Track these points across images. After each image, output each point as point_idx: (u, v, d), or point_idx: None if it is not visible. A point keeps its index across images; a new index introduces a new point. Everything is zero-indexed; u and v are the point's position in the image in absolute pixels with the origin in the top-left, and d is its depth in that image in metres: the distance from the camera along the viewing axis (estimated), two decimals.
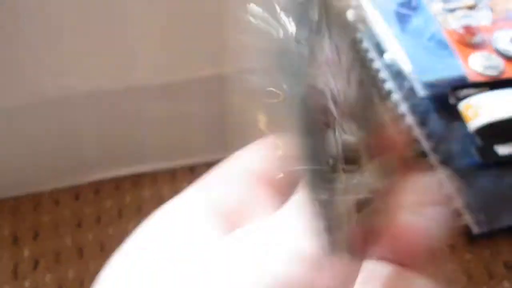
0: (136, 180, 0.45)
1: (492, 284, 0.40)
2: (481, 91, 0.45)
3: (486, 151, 0.42)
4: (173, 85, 0.40)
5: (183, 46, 0.39)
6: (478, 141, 0.42)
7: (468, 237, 0.41)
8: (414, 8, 0.51)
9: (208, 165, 0.48)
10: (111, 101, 0.40)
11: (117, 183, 0.45)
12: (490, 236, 0.41)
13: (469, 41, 0.47)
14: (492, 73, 0.45)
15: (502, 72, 0.45)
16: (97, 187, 0.45)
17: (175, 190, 0.21)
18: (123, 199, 0.44)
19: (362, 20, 0.59)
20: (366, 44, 0.53)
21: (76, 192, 0.44)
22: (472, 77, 0.45)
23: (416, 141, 0.46)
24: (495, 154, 0.42)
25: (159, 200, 0.20)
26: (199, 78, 0.40)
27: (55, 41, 0.36)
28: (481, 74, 0.45)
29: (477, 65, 0.46)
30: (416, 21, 0.50)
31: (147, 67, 0.39)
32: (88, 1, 0.35)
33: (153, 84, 0.40)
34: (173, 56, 0.39)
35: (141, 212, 0.43)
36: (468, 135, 0.43)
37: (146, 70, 0.39)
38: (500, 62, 0.46)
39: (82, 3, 0.35)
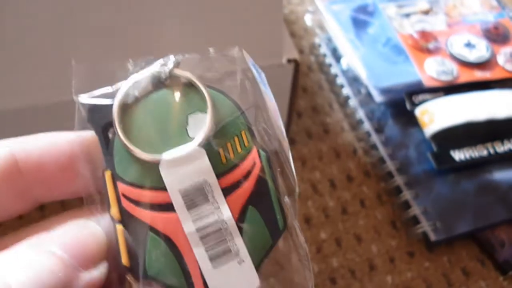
0: None
1: None
2: (436, 96, 0.45)
3: (442, 157, 0.42)
4: None
5: None
6: (434, 147, 0.42)
7: (426, 245, 0.41)
8: (370, 13, 0.50)
9: None
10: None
11: None
12: (448, 243, 0.41)
13: (424, 46, 0.47)
14: (447, 78, 0.45)
15: (456, 77, 0.45)
16: None
17: None
18: None
19: (319, 25, 0.58)
20: (323, 49, 0.52)
21: None
22: (427, 82, 0.45)
23: (374, 148, 0.45)
24: (451, 159, 0.42)
25: None
26: None
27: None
28: (436, 79, 0.45)
29: (432, 70, 0.45)
30: (372, 26, 0.49)
31: None
32: None
33: None
34: None
35: None
36: (424, 141, 0.43)
37: None
38: (454, 67, 0.46)
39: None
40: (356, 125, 0.47)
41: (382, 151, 0.44)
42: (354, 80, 0.48)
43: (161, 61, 0.20)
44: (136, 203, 0.19)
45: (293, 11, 0.57)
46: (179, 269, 0.19)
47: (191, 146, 0.19)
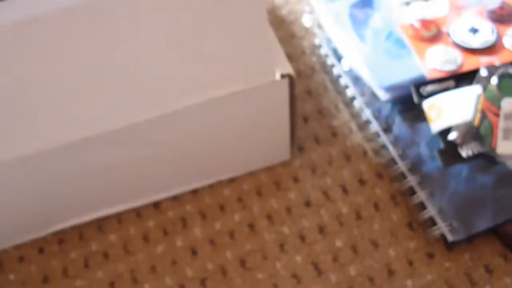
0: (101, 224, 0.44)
1: None
2: (445, 86, 0.43)
3: (449, 154, 0.40)
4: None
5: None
6: (441, 143, 0.40)
7: (445, 244, 0.40)
8: (370, 7, 0.49)
9: (172, 199, 0.46)
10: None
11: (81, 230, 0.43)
12: (469, 241, 0.39)
13: (425, 35, 0.45)
14: (451, 67, 0.43)
15: (460, 66, 0.43)
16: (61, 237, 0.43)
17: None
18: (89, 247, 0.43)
19: (318, 25, 0.57)
20: (324, 50, 0.51)
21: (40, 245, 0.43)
22: (431, 75, 0.43)
23: (384, 148, 0.44)
24: (458, 156, 0.40)
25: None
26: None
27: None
28: (439, 70, 0.43)
29: (435, 60, 0.44)
30: (372, 21, 0.48)
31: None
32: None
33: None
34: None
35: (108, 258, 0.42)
36: (435, 137, 0.42)
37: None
38: (458, 55, 0.44)
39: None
40: (363, 125, 0.46)
41: (392, 151, 0.43)
42: (358, 80, 0.47)
43: None
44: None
45: (292, 10, 0.56)
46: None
47: None
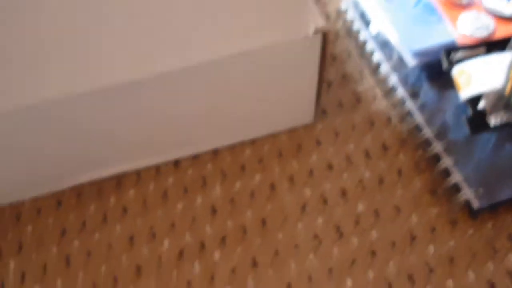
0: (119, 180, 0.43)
1: (497, 258, 0.38)
2: (476, 53, 0.42)
3: (477, 122, 0.40)
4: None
5: None
6: (469, 111, 0.40)
7: (469, 212, 0.39)
8: None
9: (192, 158, 0.46)
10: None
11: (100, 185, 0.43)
12: (493, 209, 0.39)
13: (457, 1, 0.44)
14: (482, 34, 0.42)
15: (492, 33, 0.42)
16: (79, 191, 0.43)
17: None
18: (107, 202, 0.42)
19: None
20: (350, 14, 0.50)
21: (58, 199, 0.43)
22: (462, 41, 0.42)
23: (410, 114, 0.43)
24: (486, 125, 0.39)
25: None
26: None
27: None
28: (471, 37, 0.42)
29: (466, 26, 0.43)
30: None
31: None
32: None
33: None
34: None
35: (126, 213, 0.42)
36: (463, 105, 0.41)
37: None
38: (490, 22, 0.43)
39: None
40: (389, 92, 0.45)
41: (418, 117, 0.42)
42: (385, 45, 0.46)
43: None
44: None
45: None
46: None
47: None
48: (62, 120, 0.38)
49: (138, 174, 0.44)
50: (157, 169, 0.44)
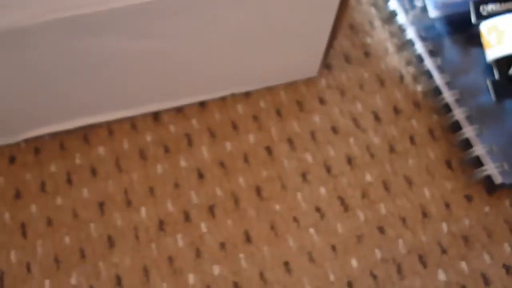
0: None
1: None
2: (507, 9, 0.37)
3: (503, 87, 0.35)
4: None
5: None
6: (496, 74, 0.35)
7: (487, 187, 0.35)
8: None
9: (175, 112, 0.38)
10: None
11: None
12: (511, 186, 0.35)
13: None
14: None
15: None
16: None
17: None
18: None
19: None
20: None
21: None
22: None
23: (427, 74, 0.38)
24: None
25: None
26: None
27: None
28: None
29: None
30: None
31: None
32: None
33: None
34: None
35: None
36: (489, 66, 0.36)
37: None
38: None
39: None
40: (403, 46, 0.40)
41: (438, 78, 0.37)
42: None
43: None
44: None
45: None
46: None
47: None
48: (20, 53, 0.30)
49: (109, 129, 0.37)
50: (133, 124, 0.37)
